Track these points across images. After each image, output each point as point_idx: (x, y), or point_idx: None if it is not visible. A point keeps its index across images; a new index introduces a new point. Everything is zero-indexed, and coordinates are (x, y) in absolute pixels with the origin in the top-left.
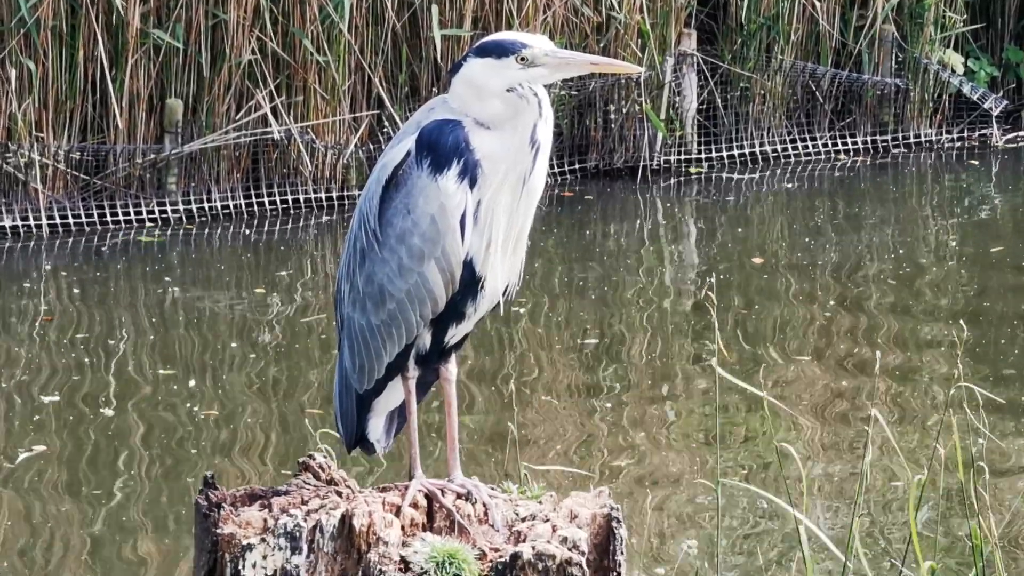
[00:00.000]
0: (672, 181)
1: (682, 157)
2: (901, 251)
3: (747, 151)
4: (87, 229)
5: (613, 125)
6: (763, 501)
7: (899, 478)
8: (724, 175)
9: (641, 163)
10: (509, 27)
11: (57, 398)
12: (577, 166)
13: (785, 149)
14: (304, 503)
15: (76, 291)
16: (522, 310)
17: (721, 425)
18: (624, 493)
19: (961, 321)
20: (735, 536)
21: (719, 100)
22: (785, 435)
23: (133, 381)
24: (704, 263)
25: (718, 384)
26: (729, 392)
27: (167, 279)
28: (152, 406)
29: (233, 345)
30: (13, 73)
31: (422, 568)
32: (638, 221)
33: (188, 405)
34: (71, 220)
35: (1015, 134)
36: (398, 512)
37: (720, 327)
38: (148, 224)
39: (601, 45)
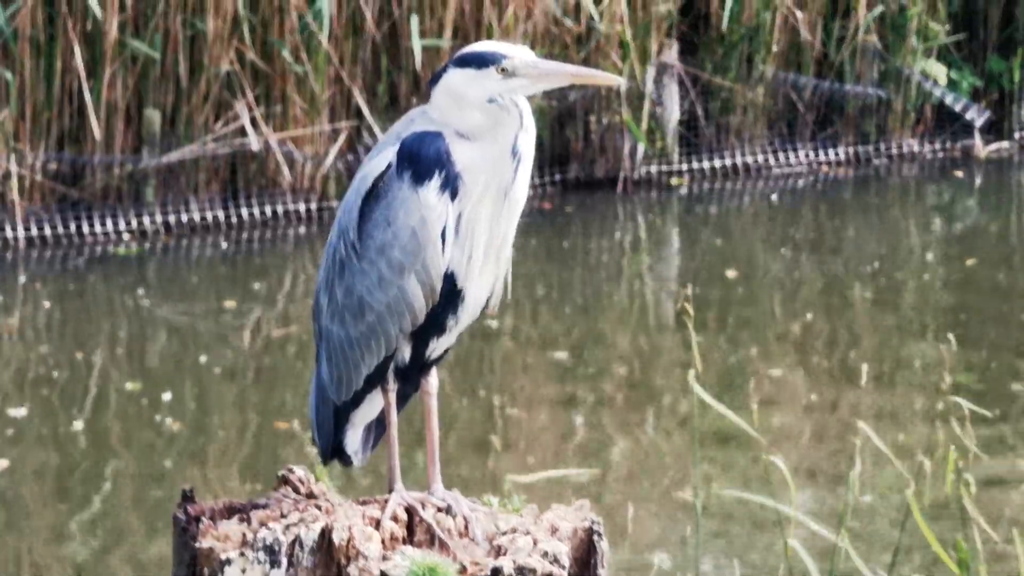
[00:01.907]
0: (653, 192)
1: (663, 168)
2: (883, 264)
3: (729, 162)
4: (64, 242)
5: (594, 136)
6: (748, 513)
7: (886, 490)
8: (705, 186)
9: (622, 174)
10: (489, 37)
11: (25, 412)
12: (558, 177)
13: (767, 160)
14: (283, 516)
15: (50, 304)
16: (501, 323)
17: (703, 435)
18: (605, 505)
19: (950, 335)
20: (721, 547)
21: (700, 111)
22: (768, 441)
23: (105, 394)
24: (685, 275)
25: (695, 402)
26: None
27: (140, 291)
28: (125, 420)
29: (209, 358)
30: None
31: None
32: (618, 233)
33: (159, 418)
34: (48, 232)
35: (998, 145)
36: (378, 526)
37: (703, 337)
38: (126, 236)
39: (582, 56)
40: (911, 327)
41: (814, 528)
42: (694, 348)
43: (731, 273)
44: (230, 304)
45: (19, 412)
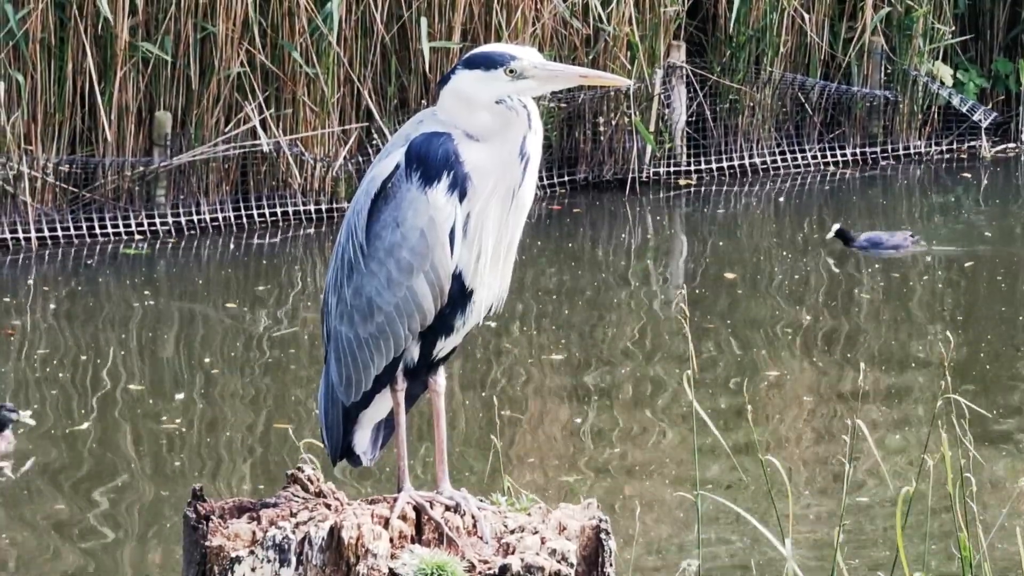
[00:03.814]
0: (661, 193)
1: (671, 169)
2: (887, 264)
3: (736, 163)
4: (76, 242)
5: (602, 137)
6: (749, 512)
7: (887, 490)
8: (713, 187)
9: (630, 175)
10: (498, 39)
11: (33, 411)
12: (566, 178)
13: (775, 161)
14: (293, 515)
15: (58, 305)
16: (508, 323)
17: (706, 437)
18: (612, 505)
19: (948, 333)
20: (724, 551)
21: (708, 112)
22: (771, 445)
23: (114, 394)
24: (692, 275)
25: (694, 410)
26: (714, 403)
27: (150, 291)
28: (133, 419)
29: (218, 358)
30: (2, 86)
31: None
32: (626, 234)
33: (167, 417)
34: (60, 233)
35: (1004, 146)
36: (387, 524)
37: (707, 339)
38: (137, 237)
39: (590, 57)
40: (914, 327)
41: (810, 529)
42: (690, 349)
43: (738, 273)
44: (239, 304)
45: (27, 411)
